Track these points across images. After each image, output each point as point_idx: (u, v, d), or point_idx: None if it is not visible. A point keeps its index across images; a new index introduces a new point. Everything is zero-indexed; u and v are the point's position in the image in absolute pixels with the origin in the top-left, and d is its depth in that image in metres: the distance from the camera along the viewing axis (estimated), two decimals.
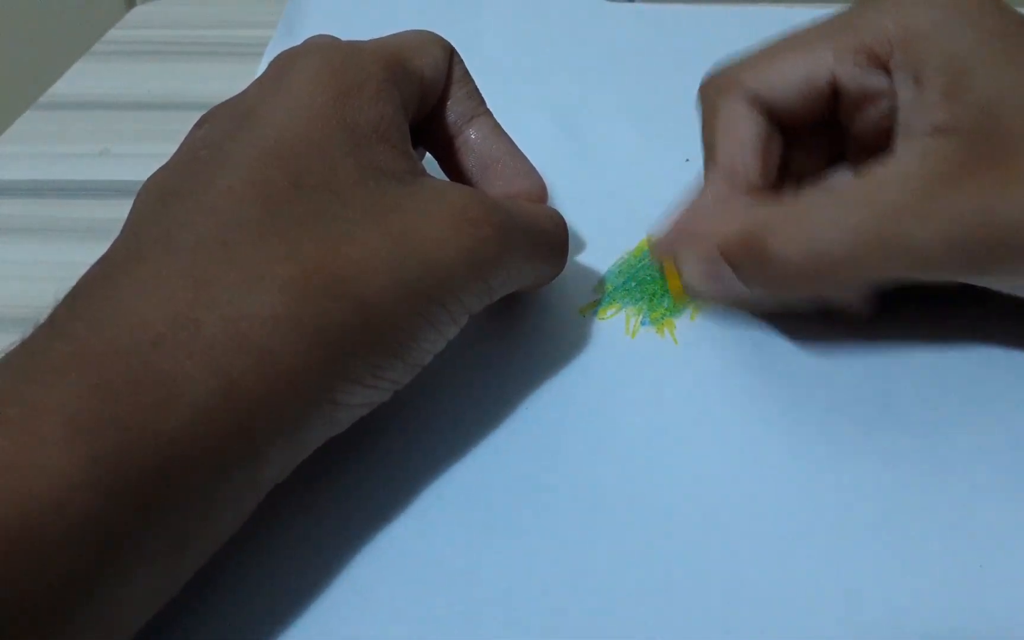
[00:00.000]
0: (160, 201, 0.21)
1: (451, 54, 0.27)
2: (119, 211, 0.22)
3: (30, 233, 0.33)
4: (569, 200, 0.32)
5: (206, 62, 0.46)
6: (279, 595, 0.20)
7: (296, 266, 0.19)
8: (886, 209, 0.22)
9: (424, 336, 0.21)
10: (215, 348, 0.18)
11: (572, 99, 0.39)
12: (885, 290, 0.26)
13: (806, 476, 0.23)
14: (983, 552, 0.21)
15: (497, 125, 0.28)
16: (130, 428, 0.16)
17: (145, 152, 0.37)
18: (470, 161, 0.27)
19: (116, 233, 0.21)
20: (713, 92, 0.28)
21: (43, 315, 0.19)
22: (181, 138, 0.24)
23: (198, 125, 0.24)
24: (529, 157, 0.27)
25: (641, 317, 0.28)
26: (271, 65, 0.24)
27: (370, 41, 0.25)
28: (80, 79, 0.44)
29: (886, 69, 0.25)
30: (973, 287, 0.24)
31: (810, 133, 0.27)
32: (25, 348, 0.18)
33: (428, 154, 0.29)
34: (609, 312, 0.28)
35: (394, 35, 0.26)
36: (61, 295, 0.19)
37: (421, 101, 0.26)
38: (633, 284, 0.29)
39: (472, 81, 0.27)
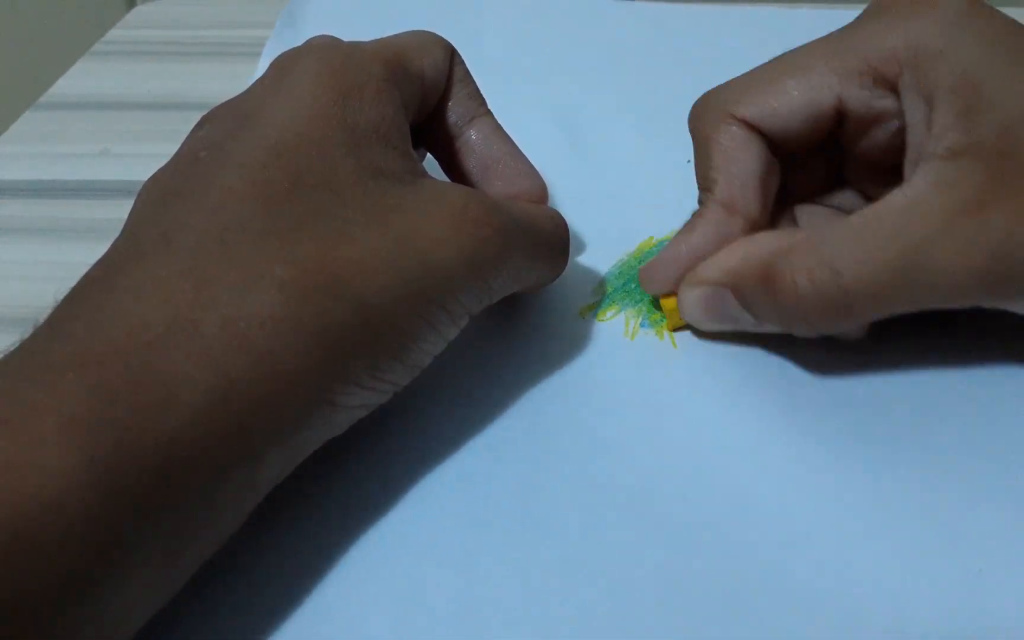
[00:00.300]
0: (160, 201, 0.21)
1: (452, 54, 0.27)
2: (119, 211, 0.22)
3: (30, 233, 0.33)
4: (569, 201, 0.32)
5: (206, 62, 0.46)
6: (278, 595, 0.20)
7: (295, 266, 0.19)
8: (911, 241, 0.22)
9: (424, 337, 0.21)
10: (214, 349, 0.18)
11: (572, 99, 0.39)
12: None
13: (804, 479, 0.23)
14: (981, 556, 0.21)
15: (498, 126, 0.28)
16: (129, 429, 0.16)
17: (145, 152, 0.37)
18: (471, 162, 0.27)
19: (116, 233, 0.21)
20: (707, 120, 0.26)
21: (43, 315, 0.19)
22: (181, 138, 0.24)
23: (199, 125, 0.24)
24: (529, 158, 0.27)
25: (640, 319, 0.28)
26: (272, 65, 0.24)
27: (371, 42, 0.25)
28: (80, 79, 0.44)
29: (894, 90, 0.24)
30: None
31: (809, 154, 0.27)
32: (24, 348, 0.18)
33: (429, 154, 0.29)
34: (609, 313, 0.28)
35: (395, 36, 0.26)
36: (61, 295, 0.19)
37: (422, 102, 0.26)
38: (633, 286, 0.29)
39: (473, 82, 0.27)
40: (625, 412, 0.25)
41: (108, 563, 0.16)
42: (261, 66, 0.42)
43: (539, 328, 0.27)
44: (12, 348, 0.18)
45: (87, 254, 0.20)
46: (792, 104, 0.25)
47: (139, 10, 0.52)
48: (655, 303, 0.28)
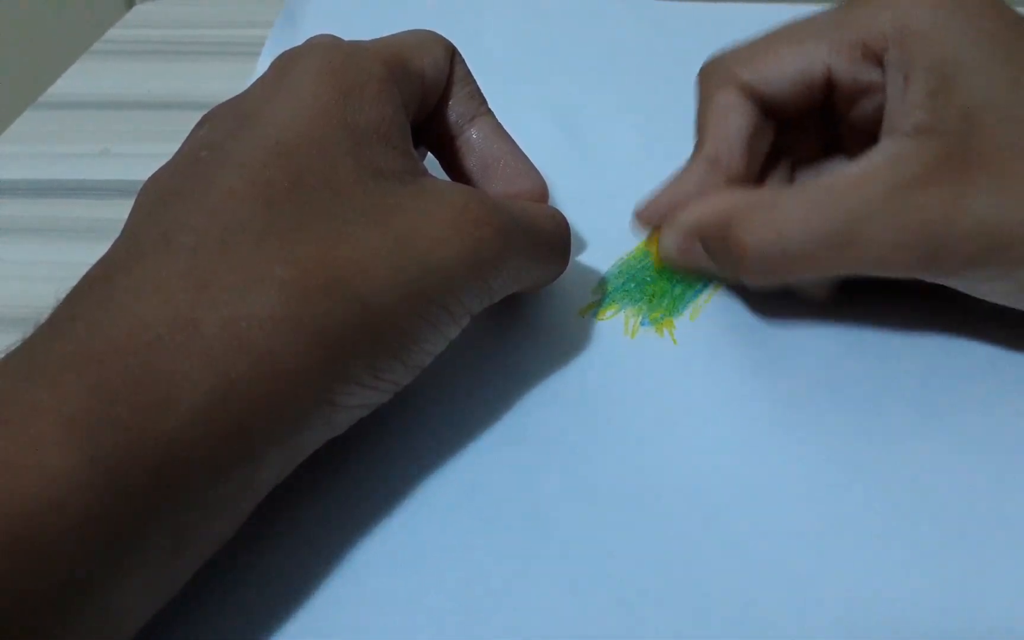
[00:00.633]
0: (160, 201, 0.21)
1: (452, 54, 0.27)
2: (119, 211, 0.22)
3: (30, 233, 0.33)
4: (569, 201, 0.32)
5: (206, 62, 0.46)
6: (279, 595, 0.20)
7: (296, 266, 0.19)
8: (850, 212, 0.23)
9: (424, 336, 0.21)
10: (214, 349, 0.18)
11: (573, 98, 0.39)
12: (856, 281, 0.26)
13: (804, 476, 0.23)
14: (982, 556, 0.21)
15: (498, 125, 0.28)
16: (129, 429, 0.16)
17: (145, 152, 0.37)
18: (471, 161, 0.27)
19: (116, 233, 0.21)
20: (709, 81, 0.28)
21: (43, 315, 0.19)
22: (181, 138, 0.24)
23: (199, 125, 0.24)
24: (530, 157, 0.27)
25: (640, 317, 0.28)
26: (272, 65, 0.24)
27: (371, 41, 0.25)
28: (80, 78, 0.44)
29: (881, 65, 0.25)
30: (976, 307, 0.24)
31: (805, 118, 0.28)
32: (25, 348, 0.18)
33: (429, 154, 0.29)
34: (608, 313, 0.28)
35: (396, 35, 0.26)
36: (61, 295, 0.19)
37: (422, 101, 0.26)
38: (633, 285, 0.29)
39: (474, 81, 0.27)
40: (625, 410, 0.25)
41: (108, 563, 0.16)
42: (261, 65, 0.42)
43: (539, 327, 0.27)
44: (12, 348, 0.18)
45: (87, 254, 0.20)
46: (784, 71, 0.27)
47: (138, 9, 0.52)
48: (656, 295, 0.28)
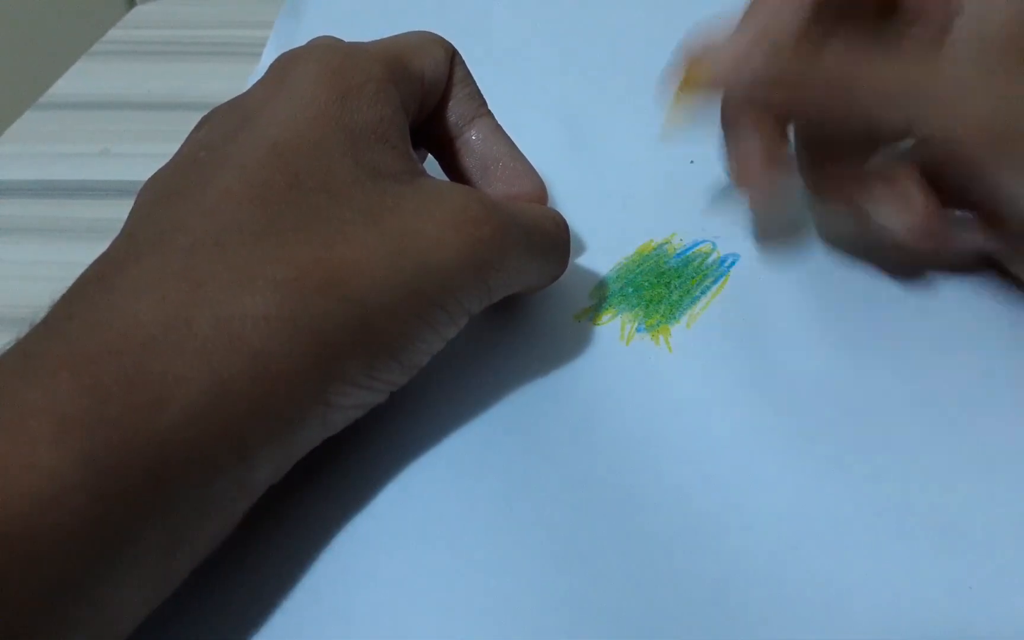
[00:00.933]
0: (158, 202, 0.21)
1: (452, 55, 0.27)
2: (119, 211, 0.22)
3: (30, 233, 0.33)
4: (569, 202, 0.32)
5: (206, 62, 0.46)
6: (275, 595, 0.20)
7: (291, 266, 0.19)
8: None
9: (422, 337, 0.21)
10: (208, 348, 0.18)
11: (574, 100, 0.39)
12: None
13: (798, 485, 0.23)
14: (976, 565, 0.21)
15: (498, 126, 0.28)
16: (122, 428, 0.16)
17: (145, 152, 0.37)
18: (470, 162, 0.27)
19: (116, 233, 0.21)
20: None
21: (40, 315, 0.19)
22: (181, 138, 0.24)
23: (198, 126, 0.24)
24: (530, 158, 0.28)
25: (636, 324, 0.28)
26: (272, 67, 0.24)
27: (371, 43, 0.25)
28: (80, 79, 0.44)
29: None
30: (974, 305, 0.24)
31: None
32: (19, 348, 0.18)
33: (429, 155, 0.29)
34: (605, 318, 0.28)
35: (396, 36, 0.26)
36: (57, 295, 0.19)
37: (422, 102, 0.26)
38: (630, 290, 0.29)
39: (473, 82, 0.28)
40: (618, 416, 0.25)
41: (101, 562, 0.16)
42: (262, 65, 0.42)
43: (534, 331, 0.27)
44: (8, 348, 0.18)
45: (87, 254, 0.20)
46: None
47: (139, 10, 0.52)
48: (652, 300, 0.28)
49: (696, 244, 0.31)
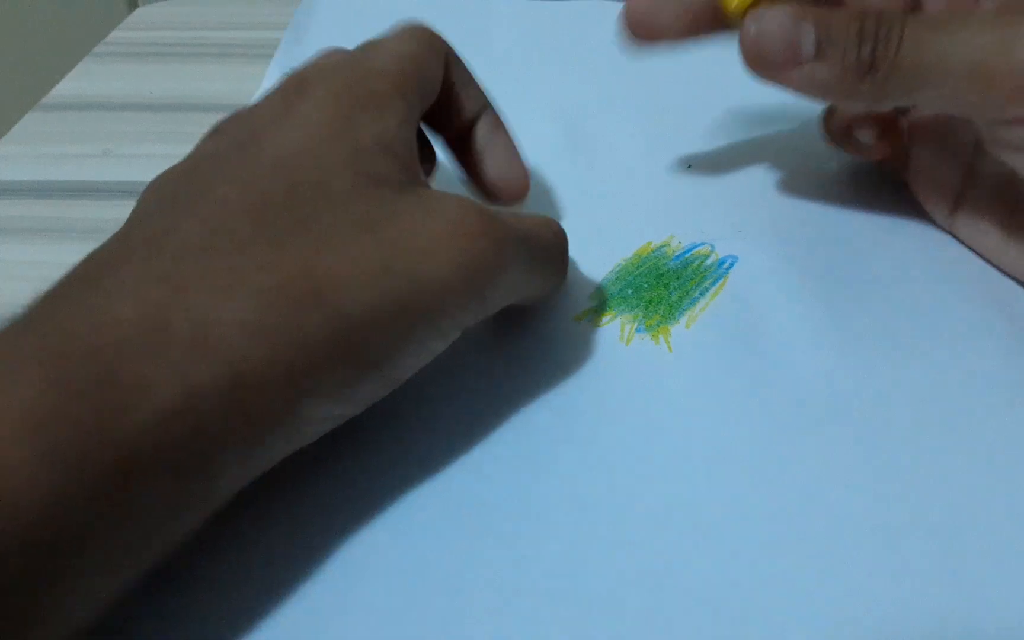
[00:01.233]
0: (156, 205, 0.21)
1: (448, 53, 0.27)
2: (121, 212, 0.22)
3: (32, 234, 0.33)
4: (569, 205, 0.32)
5: (209, 64, 0.46)
6: (266, 598, 0.20)
7: (275, 275, 0.19)
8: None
9: (407, 351, 0.21)
10: (180, 353, 0.17)
11: (574, 103, 0.39)
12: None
13: (799, 485, 0.23)
14: (976, 568, 0.21)
15: (498, 120, 0.29)
16: (87, 427, 0.16)
17: (147, 153, 0.38)
18: (472, 156, 0.28)
19: None
20: None
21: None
22: (184, 139, 0.24)
23: (207, 136, 0.24)
24: (530, 161, 0.28)
25: (636, 324, 0.28)
26: (282, 86, 0.24)
27: (376, 52, 0.25)
28: (83, 80, 0.44)
29: None
30: (974, 306, 0.24)
31: None
32: None
33: (441, 154, 0.30)
34: (604, 319, 0.28)
35: (396, 38, 0.26)
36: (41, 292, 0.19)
37: (423, 104, 0.26)
38: (630, 291, 0.29)
39: (472, 79, 0.28)
40: (619, 417, 0.25)
41: (61, 559, 0.16)
42: (270, 72, 0.42)
43: (534, 333, 0.27)
44: None
45: None
46: None
47: (142, 11, 0.52)
48: (652, 301, 0.28)
49: (694, 246, 0.31)
